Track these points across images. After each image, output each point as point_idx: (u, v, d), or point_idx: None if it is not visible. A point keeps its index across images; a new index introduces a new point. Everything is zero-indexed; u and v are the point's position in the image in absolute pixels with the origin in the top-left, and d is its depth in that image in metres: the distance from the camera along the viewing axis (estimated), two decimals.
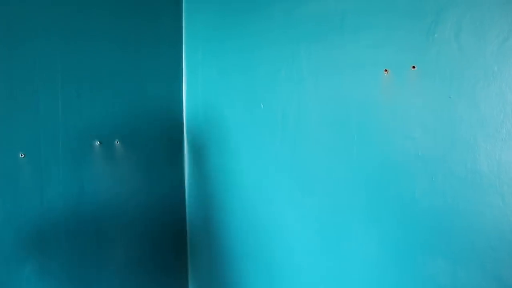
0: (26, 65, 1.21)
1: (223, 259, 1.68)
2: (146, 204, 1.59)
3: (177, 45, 1.74)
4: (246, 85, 1.56)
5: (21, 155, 1.20)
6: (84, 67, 1.35)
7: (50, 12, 1.25)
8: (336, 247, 1.38)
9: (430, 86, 1.17)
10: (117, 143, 1.46)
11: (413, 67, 1.19)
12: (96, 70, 1.38)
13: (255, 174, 1.55)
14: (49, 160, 1.27)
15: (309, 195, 1.42)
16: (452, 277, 1.17)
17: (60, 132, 1.28)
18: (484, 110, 1.10)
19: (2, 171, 1.17)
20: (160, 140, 1.66)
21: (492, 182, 1.10)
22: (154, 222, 1.63)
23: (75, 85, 1.32)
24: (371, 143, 1.28)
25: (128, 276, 1.51)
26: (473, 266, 1.14)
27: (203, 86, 1.70)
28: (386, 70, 1.24)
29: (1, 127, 1.17)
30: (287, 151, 1.46)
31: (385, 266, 1.28)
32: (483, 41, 1.09)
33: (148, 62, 1.59)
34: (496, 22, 1.08)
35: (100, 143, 1.40)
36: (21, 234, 1.20)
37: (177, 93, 1.74)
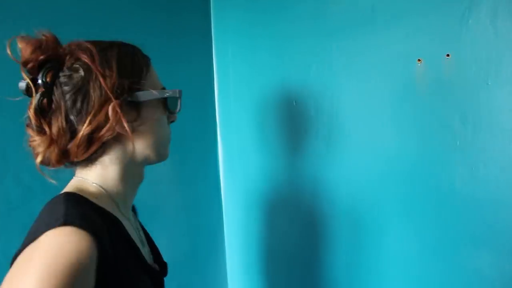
0: None
1: (261, 260, 1.70)
2: (183, 205, 1.63)
3: (206, 43, 1.75)
4: (277, 83, 1.56)
5: None
6: None
7: (86, 15, 1.29)
8: (374, 241, 1.36)
9: (467, 74, 1.14)
10: None
11: (448, 55, 1.16)
12: None
13: (290, 172, 1.56)
14: None
15: (344, 190, 1.42)
16: (499, 270, 1.13)
17: None
18: None
19: None
20: (194, 141, 1.69)
21: None
22: (191, 223, 1.67)
23: None
24: (408, 135, 1.26)
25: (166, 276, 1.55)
26: None
27: (234, 84, 1.72)
28: (419, 60, 1.22)
29: None
30: (322, 147, 1.46)
31: (426, 259, 1.26)
32: None
33: (179, 62, 1.61)
34: None
35: None
36: None
37: (209, 91, 1.77)
